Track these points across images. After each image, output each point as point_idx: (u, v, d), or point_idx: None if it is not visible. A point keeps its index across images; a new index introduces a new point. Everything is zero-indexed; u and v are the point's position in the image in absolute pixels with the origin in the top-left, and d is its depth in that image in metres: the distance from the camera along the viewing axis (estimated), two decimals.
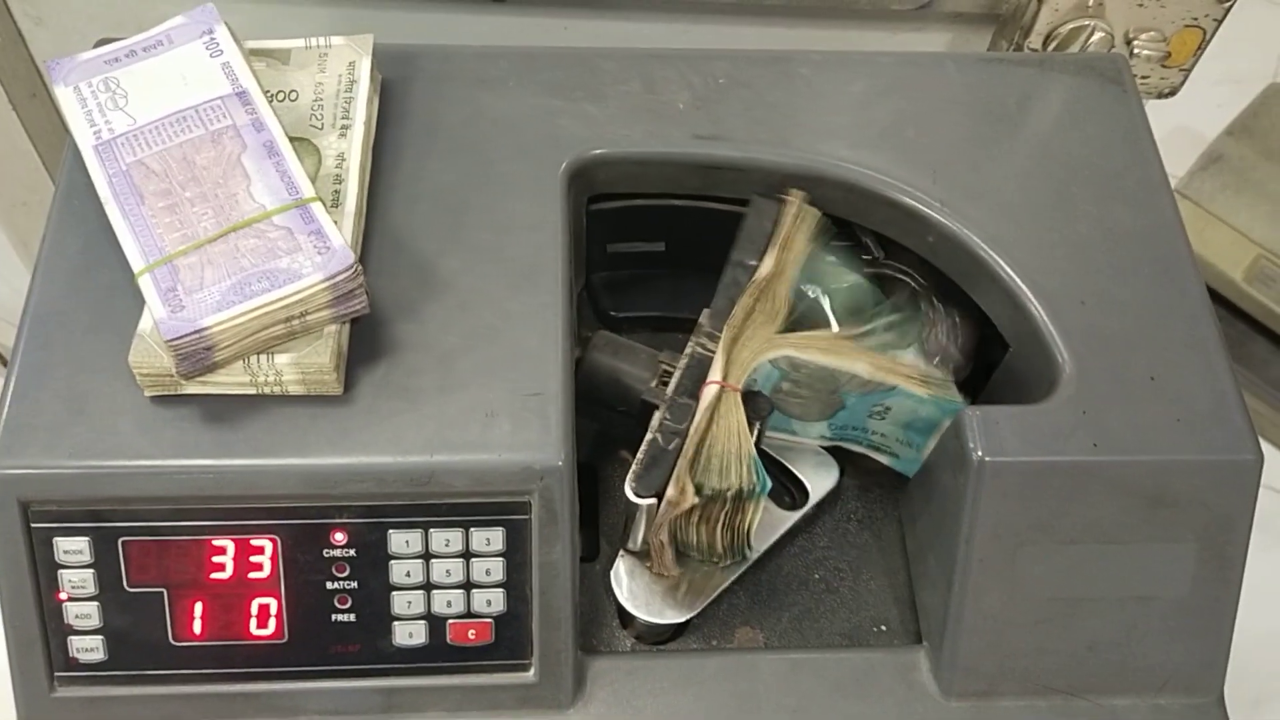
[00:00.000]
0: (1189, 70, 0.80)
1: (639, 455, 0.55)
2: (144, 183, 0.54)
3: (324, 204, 0.54)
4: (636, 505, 0.54)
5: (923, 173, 0.63)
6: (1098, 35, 0.76)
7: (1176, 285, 0.60)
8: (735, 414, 0.56)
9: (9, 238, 1.04)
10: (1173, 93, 0.82)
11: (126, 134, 0.56)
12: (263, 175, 0.55)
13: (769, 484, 0.56)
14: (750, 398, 0.57)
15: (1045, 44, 0.78)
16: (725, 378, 0.56)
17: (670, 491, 0.53)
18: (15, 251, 1.07)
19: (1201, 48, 0.79)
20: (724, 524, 0.57)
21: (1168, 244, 0.62)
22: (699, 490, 0.54)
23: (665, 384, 0.58)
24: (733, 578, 0.60)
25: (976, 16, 0.81)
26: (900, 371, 0.59)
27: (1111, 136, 0.65)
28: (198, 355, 0.51)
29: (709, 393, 0.56)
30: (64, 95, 0.57)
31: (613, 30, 0.83)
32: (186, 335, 0.50)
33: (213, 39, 0.59)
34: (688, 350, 0.58)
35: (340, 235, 0.53)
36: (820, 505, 0.63)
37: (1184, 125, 1.66)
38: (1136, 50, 0.77)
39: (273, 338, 0.52)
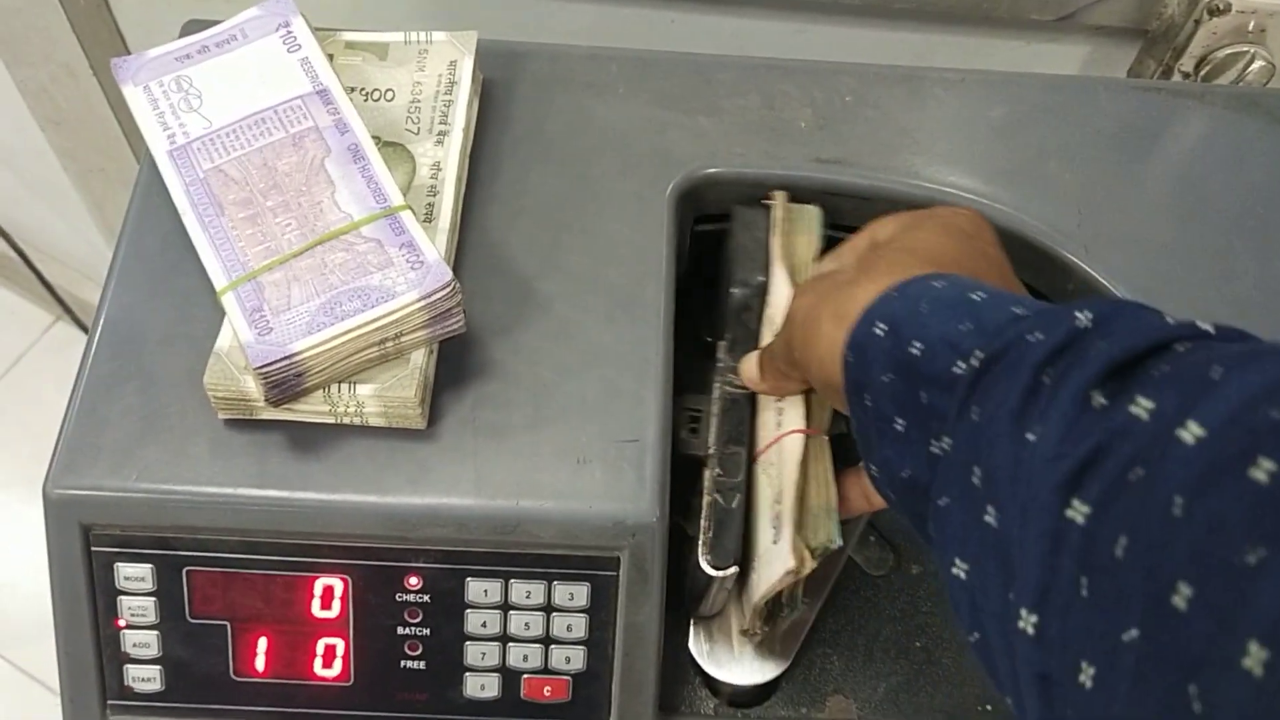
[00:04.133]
0: None
1: (703, 523, 0.50)
2: (223, 191, 0.50)
3: (415, 215, 0.50)
4: (712, 578, 0.50)
5: (1066, 213, 0.57)
6: (1258, 64, 0.69)
7: None
8: (823, 463, 0.50)
9: (85, 202, 1.02)
10: None
11: (202, 138, 0.52)
12: (348, 182, 0.51)
13: (841, 542, 0.49)
14: (841, 442, 0.51)
15: (1197, 68, 0.71)
16: (808, 423, 0.51)
17: (791, 562, 0.48)
18: (91, 215, 1.05)
19: None
20: None
21: None
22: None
23: (694, 430, 0.53)
24: (808, 625, 0.55)
25: (1121, 31, 0.75)
26: None
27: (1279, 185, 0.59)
28: (288, 382, 0.47)
29: (793, 443, 0.50)
30: (133, 95, 0.53)
31: (723, 25, 0.78)
32: (277, 362, 0.46)
33: (289, 32, 0.55)
34: (715, 393, 0.53)
35: (434, 248, 0.49)
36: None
37: None
38: None
39: (365, 360, 0.48)
